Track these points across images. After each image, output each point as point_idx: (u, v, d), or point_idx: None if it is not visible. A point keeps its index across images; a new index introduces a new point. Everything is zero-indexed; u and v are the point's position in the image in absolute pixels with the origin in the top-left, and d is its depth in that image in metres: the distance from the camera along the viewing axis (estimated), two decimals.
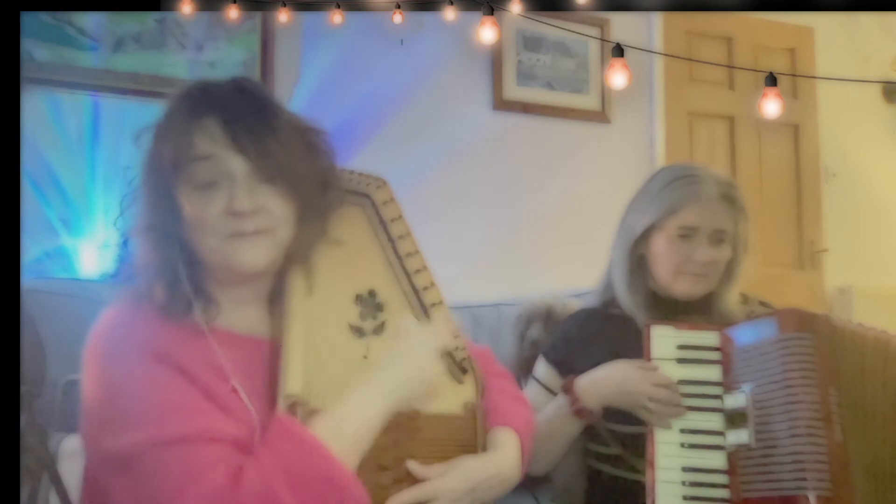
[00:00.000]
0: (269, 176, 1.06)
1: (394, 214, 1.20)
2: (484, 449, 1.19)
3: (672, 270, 1.55)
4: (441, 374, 1.16)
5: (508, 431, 1.22)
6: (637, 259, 1.60)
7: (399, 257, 1.20)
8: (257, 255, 1.07)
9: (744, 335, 1.39)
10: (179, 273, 1.07)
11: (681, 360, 1.42)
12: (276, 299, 1.15)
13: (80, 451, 1.08)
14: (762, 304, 1.64)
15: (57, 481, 1.31)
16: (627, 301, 1.59)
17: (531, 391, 1.64)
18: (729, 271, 1.58)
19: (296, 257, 1.13)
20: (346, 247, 1.18)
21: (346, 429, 1.02)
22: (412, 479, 1.09)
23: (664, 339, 1.44)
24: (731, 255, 1.56)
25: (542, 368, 1.64)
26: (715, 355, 1.40)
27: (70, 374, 1.53)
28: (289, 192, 1.09)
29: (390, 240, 1.20)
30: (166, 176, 1.06)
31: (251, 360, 1.09)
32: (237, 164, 1.05)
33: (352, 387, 1.06)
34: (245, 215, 1.05)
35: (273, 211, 1.07)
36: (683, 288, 1.55)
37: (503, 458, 1.19)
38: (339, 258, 1.17)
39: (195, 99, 1.08)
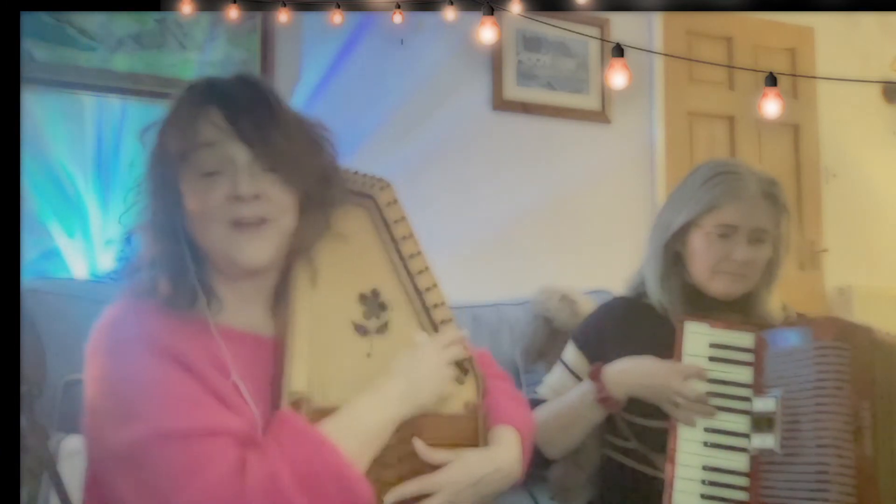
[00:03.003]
0: (270, 165, 1.07)
1: (397, 216, 1.20)
2: (486, 446, 1.19)
3: (709, 269, 1.50)
4: (450, 384, 1.16)
5: (509, 429, 1.23)
6: (672, 256, 1.55)
7: (402, 258, 1.19)
8: (260, 249, 1.07)
9: (779, 339, 1.35)
10: (186, 265, 1.07)
11: (712, 359, 1.39)
12: (279, 298, 1.15)
13: (82, 449, 1.07)
14: (801, 315, 1.59)
15: (57, 481, 1.31)
16: (659, 297, 1.55)
17: (557, 374, 1.61)
18: (769, 272, 1.53)
19: (299, 250, 1.13)
20: (350, 246, 1.18)
21: (356, 431, 1.03)
22: (415, 477, 1.09)
23: (697, 336, 1.40)
24: (771, 255, 1.51)
25: (571, 353, 1.61)
26: (748, 357, 1.37)
27: (70, 374, 1.53)
28: (291, 183, 1.09)
29: (393, 241, 1.20)
30: (172, 168, 1.07)
31: (253, 358, 1.09)
32: (239, 152, 1.06)
33: (364, 390, 1.07)
34: (246, 200, 1.05)
35: (274, 199, 1.08)
36: (720, 287, 1.50)
37: (505, 453, 1.19)
38: (343, 256, 1.17)
39: (199, 91, 1.10)
